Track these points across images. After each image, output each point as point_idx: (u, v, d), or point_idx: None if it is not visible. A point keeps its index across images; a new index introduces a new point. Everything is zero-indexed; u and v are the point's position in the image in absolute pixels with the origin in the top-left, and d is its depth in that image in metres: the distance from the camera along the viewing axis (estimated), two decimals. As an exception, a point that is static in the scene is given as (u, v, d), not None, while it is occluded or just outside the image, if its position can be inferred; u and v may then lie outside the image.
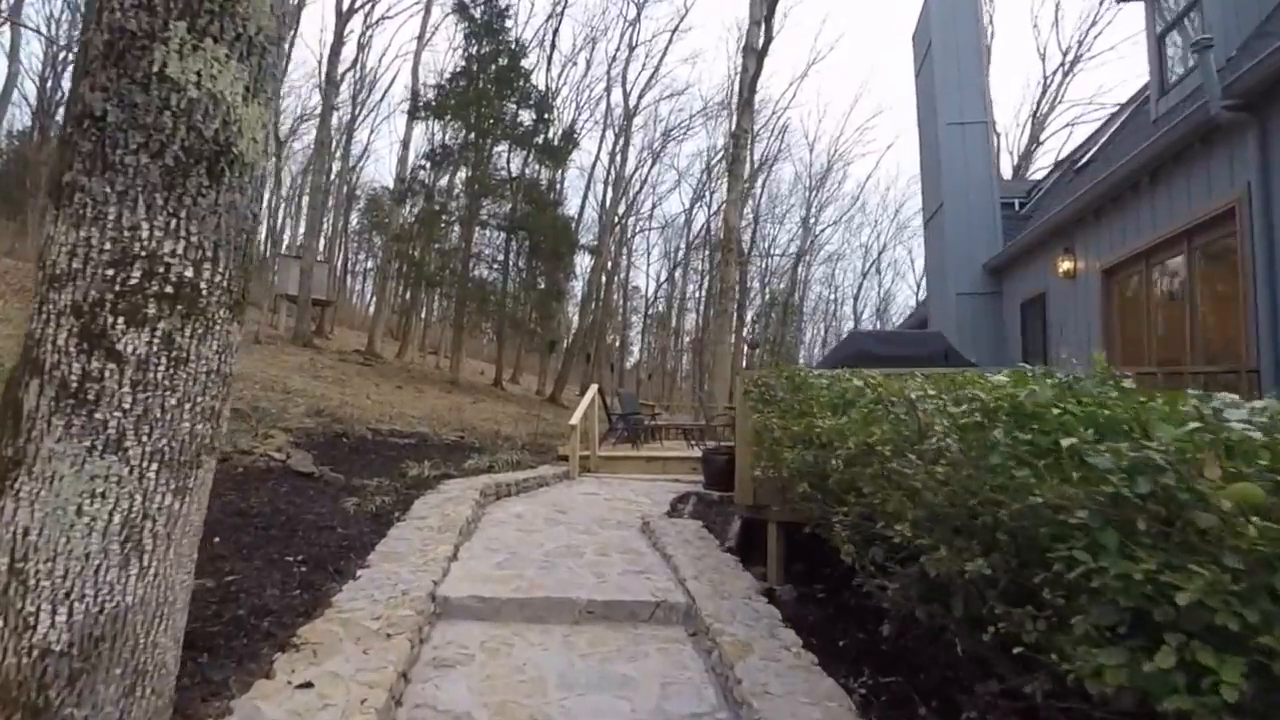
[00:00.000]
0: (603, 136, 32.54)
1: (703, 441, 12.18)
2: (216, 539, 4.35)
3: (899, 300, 55.89)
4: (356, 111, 33.74)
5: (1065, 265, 9.00)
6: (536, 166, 20.03)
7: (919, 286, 52.34)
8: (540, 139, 19.15)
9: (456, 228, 18.34)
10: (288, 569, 3.94)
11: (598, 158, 31.31)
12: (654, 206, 41.19)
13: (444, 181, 18.72)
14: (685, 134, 40.32)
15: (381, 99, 34.53)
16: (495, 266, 19.07)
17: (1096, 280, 8.38)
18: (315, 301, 29.44)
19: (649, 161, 36.62)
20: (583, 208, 31.78)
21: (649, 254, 44.86)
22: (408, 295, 23.71)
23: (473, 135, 18.56)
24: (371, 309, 38.49)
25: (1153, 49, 8.33)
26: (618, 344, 50.66)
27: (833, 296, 49.16)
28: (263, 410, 8.57)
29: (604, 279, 42.48)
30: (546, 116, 19.86)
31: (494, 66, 18.49)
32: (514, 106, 19.00)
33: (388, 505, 5.56)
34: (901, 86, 59.96)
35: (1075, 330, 8.97)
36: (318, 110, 37.56)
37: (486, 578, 4.10)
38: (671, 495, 8.04)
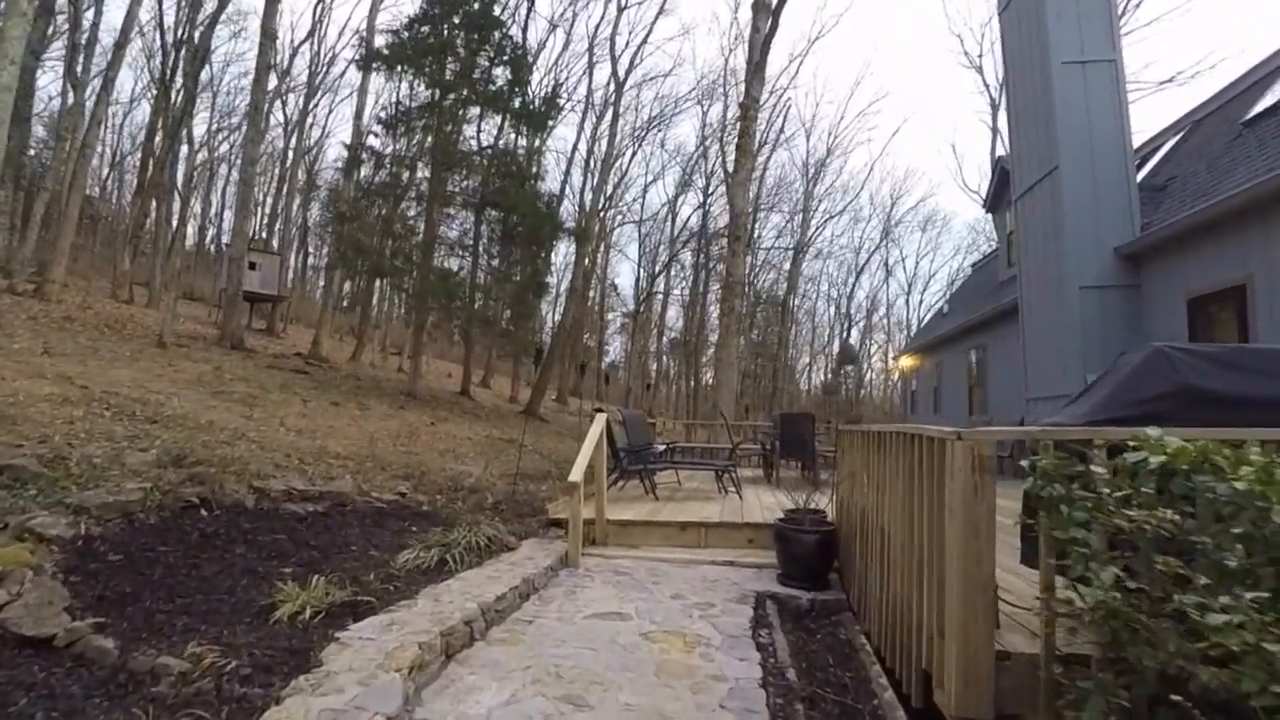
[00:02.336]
0: (583, 122, 29.38)
1: (728, 476, 9.04)
2: None
3: (885, 300, 53.47)
4: (314, 94, 30.13)
5: (1307, 243, 6.07)
6: (512, 135, 16.79)
7: (909, 286, 49.87)
8: (517, 101, 15.88)
9: (415, 206, 15.02)
10: None
11: (576, 146, 28.10)
12: (645, 189, 38.04)
13: (402, 150, 15.38)
14: (674, 114, 37.22)
15: (342, 75, 30.86)
16: (463, 253, 15.74)
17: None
18: (263, 298, 25.87)
19: (630, 150, 33.59)
20: (560, 197, 28.55)
21: (640, 243, 41.56)
22: (359, 288, 20.03)
23: (436, 93, 15.24)
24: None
25: None
26: (596, 344, 47.59)
27: (833, 293, 46.45)
28: (77, 459, 5.28)
29: (583, 274, 39.26)
30: (524, 76, 16.59)
31: (463, 11, 15.20)
32: (486, 61, 15.71)
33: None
34: (909, 64, 57.27)
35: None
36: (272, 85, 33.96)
37: None
38: (733, 597, 5.02)
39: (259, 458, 6.83)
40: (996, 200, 15.16)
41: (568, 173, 27.08)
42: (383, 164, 14.54)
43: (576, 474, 5.69)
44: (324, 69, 29.83)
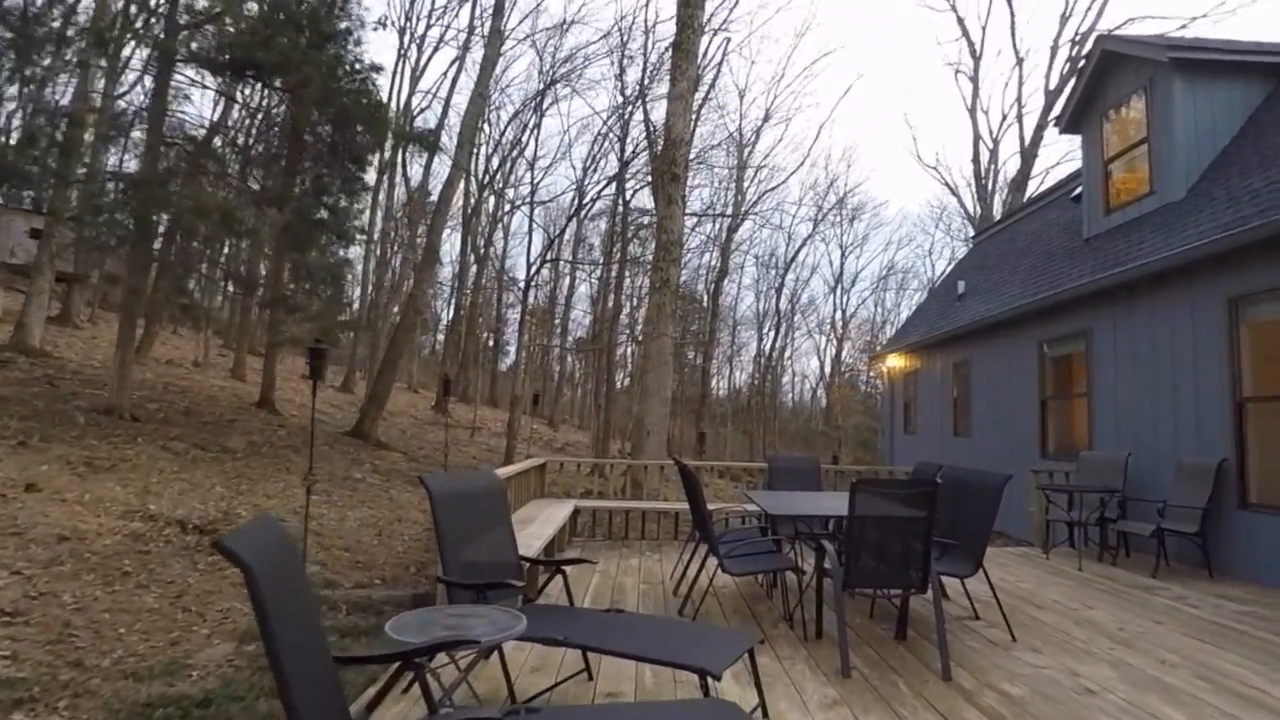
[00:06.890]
0: (462, 58, 22.64)
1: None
2: None
3: (805, 300, 48.79)
4: None
5: None
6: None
7: (836, 284, 45.19)
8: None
9: (93, 68, 7.92)
10: None
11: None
12: (534, 157, 31.26)
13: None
14: (584, 71, 30.81)
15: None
16: (182, 152, 8.59)
17: None
18: (60, 276, 17.56)
19: (533, 122, 27.03)
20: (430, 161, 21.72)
21: (536, 229, 34.79)
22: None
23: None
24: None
25: None
26: (491, 343, 40.58)
27: (760, 285, 40.90)
28: None
29: (473, 258, 32.27)
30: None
31: None
32: None
33: None
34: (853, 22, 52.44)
35: None
36: None
37: None
38: None
39: None
40: (1082, 112, 9.88)
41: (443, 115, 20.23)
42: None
43: None
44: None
